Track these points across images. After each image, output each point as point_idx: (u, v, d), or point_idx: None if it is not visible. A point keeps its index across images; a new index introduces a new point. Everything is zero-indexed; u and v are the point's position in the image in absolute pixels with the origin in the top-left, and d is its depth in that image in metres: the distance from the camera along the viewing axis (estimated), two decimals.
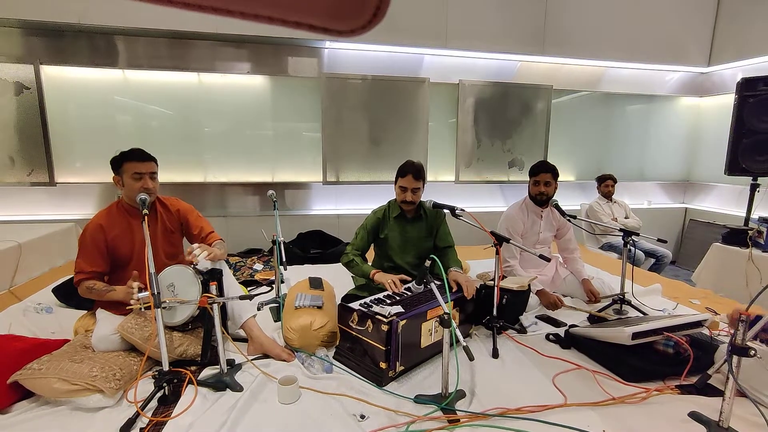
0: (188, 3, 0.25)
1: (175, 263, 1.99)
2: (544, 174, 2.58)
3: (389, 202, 2.45)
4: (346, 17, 0.26)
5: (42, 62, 3.62)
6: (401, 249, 2.40)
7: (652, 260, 3.91)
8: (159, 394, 1.53)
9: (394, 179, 2.35)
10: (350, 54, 4.22)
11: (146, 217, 1.67)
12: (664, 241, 2.54)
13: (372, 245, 2.47)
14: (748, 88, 3.48)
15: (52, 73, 3.69)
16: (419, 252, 2.42)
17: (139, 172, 1.89)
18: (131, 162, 1.89)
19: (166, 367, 1.54)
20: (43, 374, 1.46)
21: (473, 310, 2.13)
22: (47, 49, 3.62)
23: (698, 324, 1.85)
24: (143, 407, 1.47)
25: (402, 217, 2.39)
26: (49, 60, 3.64)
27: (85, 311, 2.08)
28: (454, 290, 2.05)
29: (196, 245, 1.83)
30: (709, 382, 1.66)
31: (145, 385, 1.60)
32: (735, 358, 1.29)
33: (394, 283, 2.02)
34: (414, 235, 2.41)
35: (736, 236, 3.22)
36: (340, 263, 2.37)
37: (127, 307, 1.64)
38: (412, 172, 2.24)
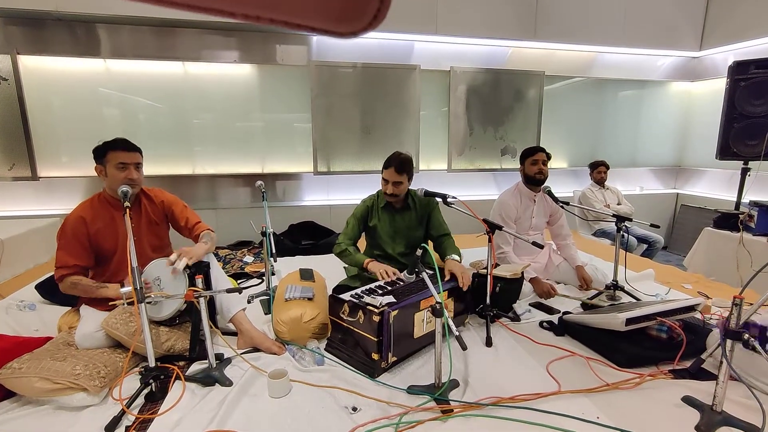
0: (191, 5, 0.25)
1: (161, 256, 1.94)
2: (539, 153, 2.60)
3: (378, 191, 2.43)
4: (348, 20, 0.26)
5: (20, 52, 3.49)
6: (391, 239, 2.38)
7: (645, 246, 3.92)
8: (146, 391, 1.49)
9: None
10: (339, 41, 4.11)
11: (129, 210, 1.61)
12: (657, 227, 2.53)
13: (363, 234, 2.45)
14: (739, 71, 3.46)
15: (30, 63, 3.56)
16: (409, 242, 2.40)
17: (124, 162, 1.83)
18: (116, 151, 1.82)
19: (152, 363, 1.50)
20: (24, 373, 1.41)
21: (469, 300, 2.11)
22: (25, 38, 3.49)
23: (691, 308, 1.85)
24: (129, 405, 1.43)
25: (390, 206, 2.37)
26: (27, 50, 3.51)
27: (69, 308, 2.02)
28: (447, 279, 2.03)
29: (174, 256, 1.71)
30: (702, 366, 1.65)
31: (132, 382, 1.55)
32: (729, 343, 1.28)
33: (386, 273, 1.99)
34: (403, 225, 2.38)
35: (727, 220, 3.23)
36: (333, 253, 2.34)
37: (110, 303, 1.59)
38: (395, 165, 2.20)
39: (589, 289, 2.57)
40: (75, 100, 3.70)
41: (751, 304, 1.30)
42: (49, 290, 2.37)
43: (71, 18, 3.47)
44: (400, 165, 2.20)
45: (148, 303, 1.53)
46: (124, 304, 1.45)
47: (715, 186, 4.99)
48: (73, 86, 3.67)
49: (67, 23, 3.53)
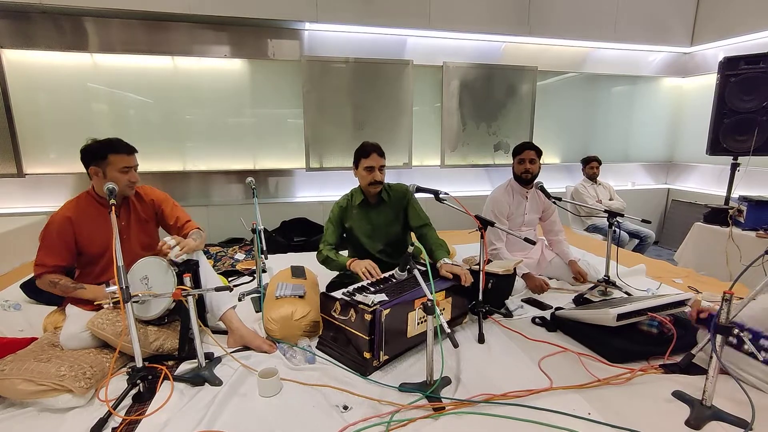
0: None
1: (150, 254, 1.91)
2: (528, 151, 2.58)
3: (352, 190, 2.37)
4: None
5: (3, 46, 3.42)
6: (369, 237, 2.31)
7: (636, 241, 3.95)
8: (133, 392, 1.47)
9: (353, 165, 2.28)
10: (331, 36, 4.08)
11: (117, 208, 1.58)
12: (648, 222, 2.54)
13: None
14: (730, 67, 3.47)
15: (14, 57, 3.49)
16: (389, 238, 2.34)
17: (129, 166, 1.83)
18: (120, 155, 1.80)
19: (139, 363, 1.47)
20: (6, 375, 1.38)
21: (467, 301, 2.08)
22: (9, 32, 3.42)
23: (681, 303, 1.86)
24: (116, 406, 1.40)
25: (365, 203, 2.31)
26: (11, 44, 3.44)
27: (55, 307, 1.98)
28: (445, 275, 2.00)
29: (169, 237, 1.74)
30: (692, 361, 1.66)
31: (119, 383, 1.53)
32: (719, 338, 1.29)
33: (368, 272, 1.96)
34: (380, 221, 2.32)
35: (717, 215, 3.26)
36: (317, 261, 2.29)
37: (96, 303, 1.56)
38: (375, 150, 2.19)
39: (585, 283, 2.57)
40: (62, 95, 3.63)
41: (741, 298, 1.30)
42: (35, 290, 2.31)
43: (57, 11, 3.40)
44: (379, 149, 2.21)
45: (135, 302, 1.50)
46: (109, 304, 1.42)
47: (706, 181, 5.04)
48: (60, 81, 3.61)
49: (53, 16, 3.45)
